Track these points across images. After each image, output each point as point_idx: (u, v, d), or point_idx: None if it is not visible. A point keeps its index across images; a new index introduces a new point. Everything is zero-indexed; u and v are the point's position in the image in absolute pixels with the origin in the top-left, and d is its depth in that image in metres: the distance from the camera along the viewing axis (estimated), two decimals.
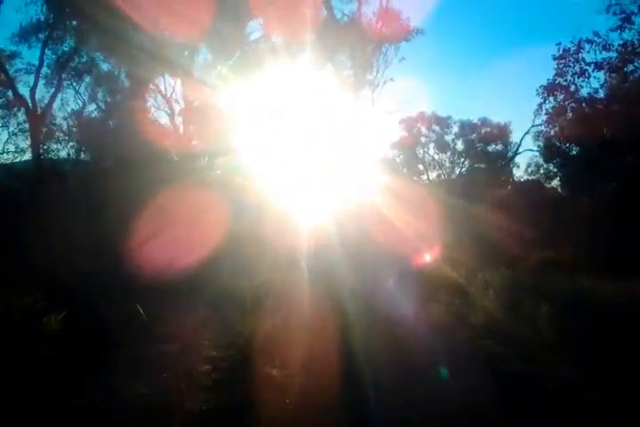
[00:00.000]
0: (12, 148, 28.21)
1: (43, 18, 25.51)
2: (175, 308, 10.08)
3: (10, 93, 27.07)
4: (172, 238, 13.71)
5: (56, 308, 8.40)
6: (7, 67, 25.98)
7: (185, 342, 8.54)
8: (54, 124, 28.25)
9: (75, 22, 25.88)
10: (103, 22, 22.63)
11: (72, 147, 28.07)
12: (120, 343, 8.06)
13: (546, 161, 29.07)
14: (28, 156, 27.48)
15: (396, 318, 10.07)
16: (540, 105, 20.94)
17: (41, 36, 26.06)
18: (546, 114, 21.29)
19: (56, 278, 10.86)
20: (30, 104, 26.02)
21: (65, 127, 28.57)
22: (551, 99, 20.69)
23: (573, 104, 21.07)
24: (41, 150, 26.77)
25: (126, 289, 10.69)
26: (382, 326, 9.41)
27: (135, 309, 9.59)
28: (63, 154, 27.78)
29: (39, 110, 26.44)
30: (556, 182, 29.15)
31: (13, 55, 26.46)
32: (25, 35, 26.09)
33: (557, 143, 25.50)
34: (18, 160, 28.01)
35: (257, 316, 9.75)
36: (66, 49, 26.87)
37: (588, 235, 19.47)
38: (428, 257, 16.26)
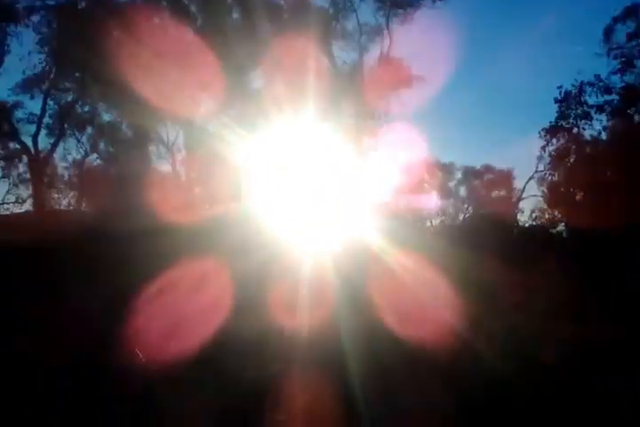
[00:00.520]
0: (12, 198, 28.01)
1: (46, 66, 25.93)
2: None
3: (11, 145, 27.26)
4: (171, 285, 13.27)
5: None
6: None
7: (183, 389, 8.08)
8: (56, 174, 28.21)
9: (77, 73, 26.10)
10: (105, 73, 22.77)
11: (73, 197, 28.00)
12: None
13: (550, 206, 28.86)
14: (27, 205, 27.30)
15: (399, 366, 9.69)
16: (544, 147, 20.98)
17: (43, 86, 26.44)
18: (549, 156, 21.27)
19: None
20: (33, 152, 26.03)
21: (66, 177, 28.54)
22: (554, 141, 20.68)
23: (576, 146, 21.03)
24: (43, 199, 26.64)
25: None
26: (384, 381, 9.02)
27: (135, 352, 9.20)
28: (64, 203, 27.68)
29: (41, 159, 26.45)
30: (561, 228, 28.86)
31: (16, 105, 26.64)
32: (27, 85, 26.42)
33: (562, 188, 25.26)
34: (18, 211, 27.77)
35: (258, 363, 9.39)
36: (68, 99, 27.22)
37: (595, 281, 19.01)
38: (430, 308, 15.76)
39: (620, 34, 21.97)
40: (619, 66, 20.95)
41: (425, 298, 15.83)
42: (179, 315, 11.29)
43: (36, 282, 14.92)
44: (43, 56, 25.70)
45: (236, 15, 27.57)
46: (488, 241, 24.02)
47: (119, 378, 8.55)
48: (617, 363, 9.82)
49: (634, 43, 21.20)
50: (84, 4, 26.07)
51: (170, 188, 25.71)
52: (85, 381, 8.57)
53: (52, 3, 25.80)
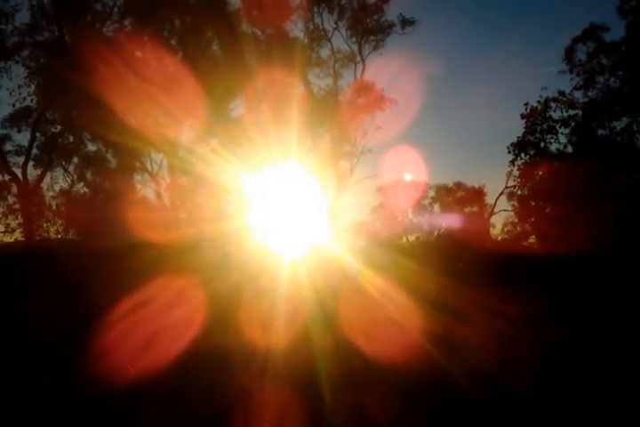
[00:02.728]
0: (1, 228, 27.08)
1: (34, 100, 25.45)
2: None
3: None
4: (151, 299, 12.55)
5: None
6: None
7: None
8: (44, 203, 27.42)
9: (63, 105, 25.61)
10: (90, 105, 22.31)
11: (61, 225, 27.10)
12: None
13: (520, 220, 28.56)
14: (17, 234, 26.40)
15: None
16: (512, 161, 20.59)
17: (31, 119, 25.99)
18: (518, 170, 20.93)
19: None
20: (22, 181, 25.44)
21: (54, 206, 27.68)
22: (522, 155, 20.35)
23: (543, 160, 20.71)
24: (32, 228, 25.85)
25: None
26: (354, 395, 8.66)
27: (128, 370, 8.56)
28: (52, 231, 26.73)
29: (30, 189, 25.81)
30: (532, 240, 28.48)
31: (4, 138, 26.22)
32: (15, 119, 26.18)
33: (531, 201, 24.86)
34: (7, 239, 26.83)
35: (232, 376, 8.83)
36: (55, 130, 26.76)
37: (564, 291, 18.50)
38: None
39: (582, 53, 22.00)
40: (581, 82, 20.90)
41: (394, 315, 15.22)
42: (156, 328, 10.67)
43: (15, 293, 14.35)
44: (31, 89, 25.24)
45: (215, 47, 27.26)
46: (455, 260, 23.55)
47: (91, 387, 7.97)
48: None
49: (594, 61, 21.13)
50: (70, 39, 25.74)
51: (153, 211, 25.11)
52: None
53: (40, 38, 25.67)
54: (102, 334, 9.75)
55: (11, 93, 24.72)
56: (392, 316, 14.77)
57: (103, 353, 9.02)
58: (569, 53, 21.89)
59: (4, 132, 26.31)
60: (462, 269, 20.96)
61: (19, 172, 25.64)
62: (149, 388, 8.11)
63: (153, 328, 10.48)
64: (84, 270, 17.54)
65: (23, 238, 25.87)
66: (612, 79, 21.44)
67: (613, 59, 21.38)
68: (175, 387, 8.47)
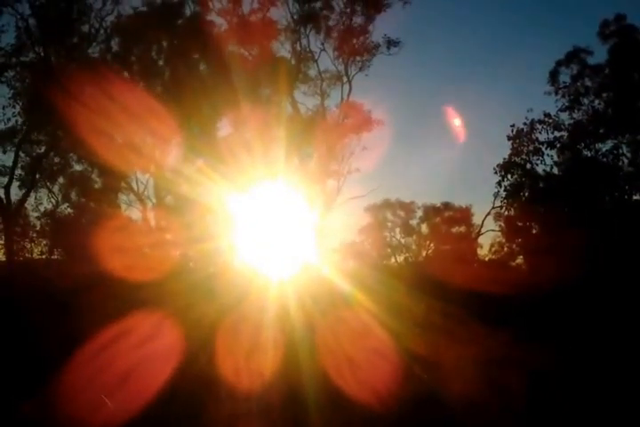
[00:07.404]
0: None
1: (19, 121, 25.45)
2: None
3: None
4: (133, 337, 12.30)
5: None
6: None
7: None
8: (28, 224, 27.14)
9: (49, 126, 25.55)
10: (76, 125, 22.19)
11: (45, 245, 26.84)
12: None
13: (508, 240, 28.61)
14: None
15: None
16: (499, 182, 20.68)
17: (15, 139, 25.80)
18: (504, 191, 20.96)
19: None
20: (5, 202, 25.08)
21: (38, 226, 27.40)
22: (509, 176, 20.44)
23: (530, 181, 20.81)
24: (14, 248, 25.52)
25: None
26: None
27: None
28: (36, 252, 26.50)
29: (13, 210, 25.50)
30: (520, 260, 28.53)
31: None
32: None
33: (518, 222, 24.92)
34: None
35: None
36: (40, 151, 26.64)
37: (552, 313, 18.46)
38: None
39: (566, 76, 22.43)
40: (567, 103, 21.19)
41: (383, 338, 15.07)
42: (140, 355, 10.46)
43: None
44: (16, 110, 25.26)
45: (202, 67, 27.38)
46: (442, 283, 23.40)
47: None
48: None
49: (579, 83, 21.49)
50: (55, 60, 25.83)
51: (139, 231, 24.94)
52: None
53: (25, 59, 25.65)
54: (85, 361, 9.55)
55: None
56: (381, 339, 14.64)
57: (84, 383, 8.83)
58: (553, 76, 22.31)
59: None
60: (450, 292, 20.79)
61: (1, 192, 25.37)
62: (134, 416, 7.96)
63: (137, 356, 10.29)
64: (68, 293, 17.34)
65: (4, 259, 25.55)
66: (597, 101, 21.88)
67: (597, 81, 21.78)
68: (160, 414, 8.32)
